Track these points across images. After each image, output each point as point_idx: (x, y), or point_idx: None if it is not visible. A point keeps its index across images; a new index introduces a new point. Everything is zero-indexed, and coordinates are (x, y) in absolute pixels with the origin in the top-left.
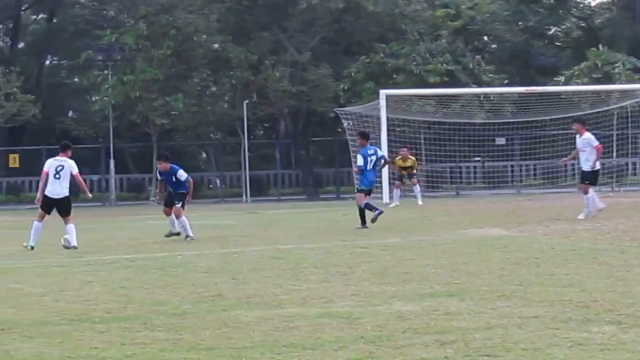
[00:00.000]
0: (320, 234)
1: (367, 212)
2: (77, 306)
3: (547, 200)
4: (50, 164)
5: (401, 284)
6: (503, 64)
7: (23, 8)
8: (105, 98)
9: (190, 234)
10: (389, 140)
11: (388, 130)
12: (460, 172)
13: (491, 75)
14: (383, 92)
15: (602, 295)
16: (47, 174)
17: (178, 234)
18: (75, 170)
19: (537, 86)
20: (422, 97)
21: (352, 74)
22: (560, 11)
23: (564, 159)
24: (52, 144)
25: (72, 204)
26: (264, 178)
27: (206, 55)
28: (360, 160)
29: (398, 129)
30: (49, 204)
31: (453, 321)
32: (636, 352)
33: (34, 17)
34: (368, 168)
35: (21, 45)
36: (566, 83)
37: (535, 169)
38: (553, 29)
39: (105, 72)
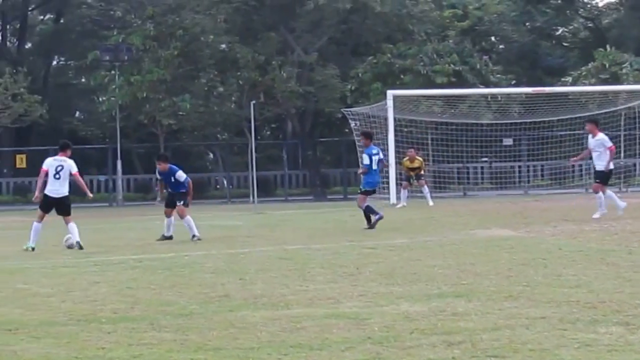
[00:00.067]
0: (327, 234)
1: (368, 209)
2: (84, 306)
3: (554, 200)
4: (49, 164)
5: (408, 284)
6: (510, 64)
7: (30, 8)
8: (113, 98)
9: (196, 233)
10: (396, 141)
11: (395, 130)
12: (468, 173)
13: (498, 75)
14: (390, 93)
15: (610, 296)
16: (47, 173)
17: (171, 237)
18: (75, 170)
19: (545, 87)
20: (429, 97)
21: (360, 75)
22: (568, 12)
23: (574, 158)
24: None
25: (79, 205)
26: (271, 179)
27: (213, 56)
28: (366, 160)
29: (405, 129)
30: (48, 204)
31: (460, 322)
32: None
33: (41, 17)
34: (374, 167)
35: (28, 45)
36: (574, 84)
37: (542, 170)
38: (560, 30)
39: (113, 72)
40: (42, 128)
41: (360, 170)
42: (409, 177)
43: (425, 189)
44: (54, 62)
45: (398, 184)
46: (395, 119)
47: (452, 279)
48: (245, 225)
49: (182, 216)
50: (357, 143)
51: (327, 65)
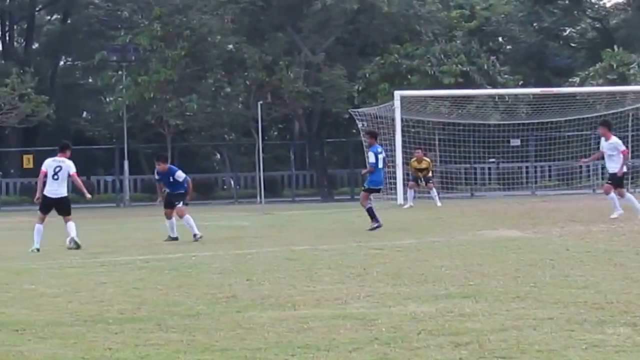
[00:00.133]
0: (334, 235)
1: (367, 212)
2: (91, 307)
3: (562, 201)
4: (48, 164)
5: (416, 285)
6: (518, 65)
7: (37, 9)
8: (120, 99)
9: (197, 231)
10: (403, 142)
11: (402, 131)
12: (475, 173)
13: (506, 76)
14: (398, 93)
15: (617, 297)
16: (45, 174)
17: (176, 238)
18: (73, 170)
19: (552, 87)
20: (436, 98)
21: (367, 75)
22: (575, 12)
23: (585, 159)
24: None
25: (85, 205)
26: (278, 179)
27: (220, 56)
28: (372, 158)
29: (412, 130)
30: (47, 204)
31: (468, 323)
32: None
33: (48, 17)
34: (379, 166)
35: (35, 45)
36: (581, 84)
37: (550, 170)
38: (568, 30)
39: (120, 72)
40: (49, 128)
41: (365, 170)
42: (416, 178)
43: (433, 191)
44: (61, 63)
45: (405, 184)
46: (402, 120)
47: (459, 280)
48: (252, 226)
49: (181, 216)
50: (364, 143)
51: (334, 65)
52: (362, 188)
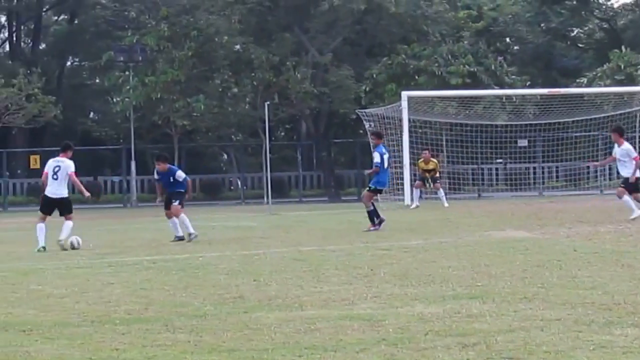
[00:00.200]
0: (341, 235)
1: (370, 214)
2: (98, 307)
3: (569, 202)
4: (49, 165)
5: (423, 286)
6: (525, 65)
7: (44, 9)
8: (127, 99)
9: (192, 230)
10: (410, 142)
11: (410, 132)
12: (482, 174)
13: (513, 76)
14: (405, 94)
15: (625, 298)
16: (47, 175)
17: (182, 238)
18: (71, 170)
19: (560, 88)
20: (444, 98)
21: (374, 76)
22: (583, 12)
23: (596, 163)
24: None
25: (92, 206)
26: (285, 179)
27: (227, 57)
28: (377, 158)
29: (420, 130)
30: (47, 204)
31: (475, 323)
32: None
33: (55, 18)
34: (385, 167)
35: (42, 46)
36: (589, 85)
37: (557, 171)
38: (575, 31)
39: (127, 73)
40: (56, 129)
41: (369, 171)
42: (423, 178)
43: (441, 192)
44: (68, 63)
45: (411, 185)
46: (409, 120)
47: (466, 281)
48: (259, 227)
49: (176, 215)
50: (371, 143)
51: (341, 66)
52: (367, 188)
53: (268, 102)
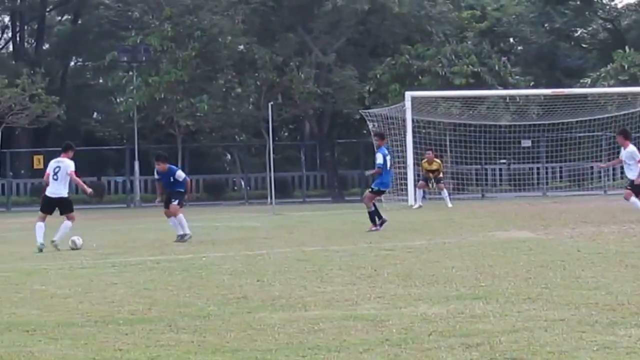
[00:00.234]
0: (345, 236)
1: (370, 214)
2: (101, 308)
3: (573, 202)
4: (50, 166)
5: (426, 286)
6: (529, 65)
7: (48, 9)
8: (130, 99)
9: (188, 231)
10: (414, 142)
11: (413, 132)
12: (486, 174)
13: (517, 77)
14: (408, 94)
15: (629, 298)
16: (49, 175)
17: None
18: (71, 169)
19: (563, 88)
20: (447, 98)
21: (378, 76)
22: (587, 13)
23: (602, 164)
24: (76, 145)
25: (96, 206)
26: (288, 180)
27: (231, 57)
28: (380, 159)
29: (423, 130)
30: (47, 204)
31: (479, 324)
32: None
33: (59, 18)
34: (388, 168)
35: (46, 46)
36: (592, 85)
37: (561, 171)
38: (579, 31)
39: (130, 73)
40: (60, 129)
41: (371, 172)
42: (426, 178)
43: (445, 192)
44: (72, 63)
45: (415, 185)
46: (413, 120)
47: (470, 281)
48: (262, 227)
49: (175, 215)
50: (375, 144)
51: (345, 66)
52: (370, 190)
53: (271, 103)
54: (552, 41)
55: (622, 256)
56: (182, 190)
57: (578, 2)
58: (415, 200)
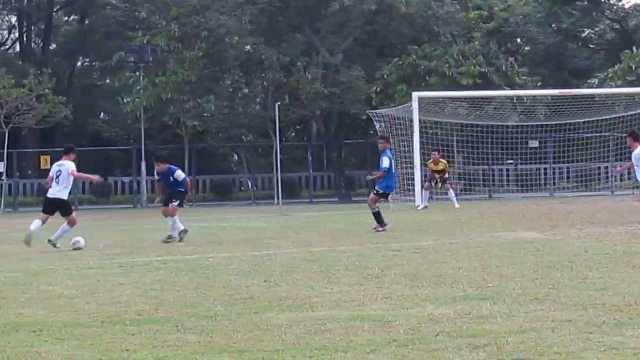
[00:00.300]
0: (352, 236)
1: (376, 215)
2: (108, 308)
3: (580, 203)
4: (53, 170)
5: (434, 287)
6: (536, 66)
7: (55, 9)
8: (137, 100)
9: (176, 235)
10: (421, 143)
11: (421, 132)
12: (493, 175)
13: (524, 77)
14: (416, 95)
15: (636, 299)
16: (52, 179)
17: (186, 231)
18: (72, 169)
19: (571, 89)
20: (455, 99)
21: (385, 76)
22: (594, 13)
23: (619, 168)
24: (83, 145)
25: (103, 207)
26: (296, 180)
27: (238, 57)
28: (386, 162)
29: (431, 131)
30: (47, 205)
31: (486, 325)
32: None
33: (66, 18)
34: (393, 171)
35: (53, 46)
36: (600, 86)
37: (568, 172)
38: (587, 32)
39: (137, 73)
40: (67, 129)
41: (373, 176)
42: (433, 179)
43: (451, 193)
44: (79, 64)
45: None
46: (420, 121)
47: (477, 282)
48: (270, 227)
49: (172, 215)
50: (380, 146)
51: (352, 66)
52: (375, 192)
53: (279, 103)
54: (559, 42)
55: (629, 257)
56: (183, 190)
57: (586, 3)
58: (422, 201)
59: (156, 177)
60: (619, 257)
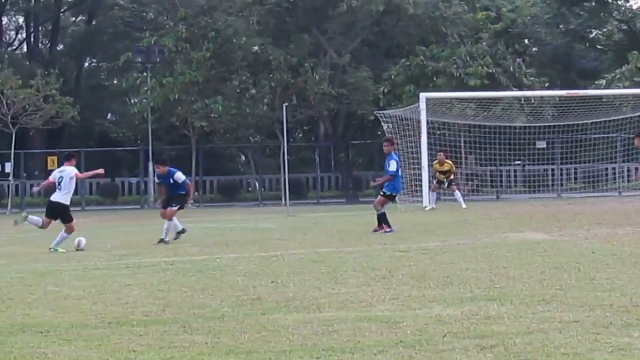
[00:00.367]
0: (359, 237)
1: (381, 217)
2: (115, 309)
3: (587, 204)
4: (53, 175)
5: (441, 287)
6: (544, 67)
7: (62, 10)
8: (144, 100)
9: (167, 238)
10: (429, 144)
11: (428, 133)
12: (501, 176)
13: (532, 78)
14: (423, 95)
15: None
16: (49, 183)
17: (184, 230)
18: (74, 173)
19: (578, 89)
20: (462, 100)
21: (392, 77)
22: (602, 14)
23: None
24: (90, 146)
25: (110, 207)
26: (303, 181)
27: (246, 58)
28: (393, 166)
29: (438, 132)
30: (49, 209)
31: (493, 325)
32: None
33: (73, 19)
34: (399, 173)
35: (60, 47)
36: (607, 86)
37: (576, 173)
38: (594, 32)
39: (145, 74)
40: (74, 130)
41: (377, 182)
42: (439, 180)
43: (458, 194)
44: (86, 64)
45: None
46: (428, 122)
47: (484, 283)
48: (277, 228)
49: (168, 218)
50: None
51: (359, 67)
52: (382, 193)
53: (286, 104)
54: (567, 42)
55: (636, 258)
56: (184, 193)
57: (593, 4)
58: (429, 202)
59: (156, 179)
60: (626, 258)
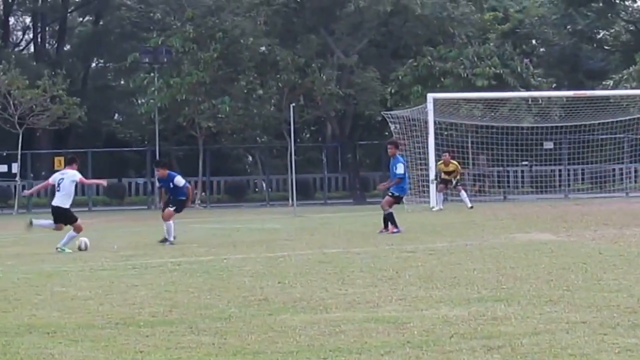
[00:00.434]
0: (366, 238)
1: (388, 217)
2: (122, 310)
3: (595, 204)
4: (54, 177)
5: (448, 288)
6: (551, 67)
7: (69, 10)
8: (152, 101)
9: (171, 238)
10: (436, 144)
11: (435, 134)
12: (508, 176)
13: (539, 79)
14: (431, 96)
15: None
16: (50, 184)
17: (165, 240)
18: (78, 177)
19: (586, 90)
20: (469, 100)
21: (400, 77)
22: (609, 15)
23: None
24: (97, 146)
25: (117, 208)
26: (310, 182)
27: (253, 58)
28: (401, 169)
29: (445, 132)
30: (53, 214)
31: (500, 326)
32: None
33: (81, 19)
34: (407, 175)
35: (67, 47)
36: (615, 87)
37: (583, 173)
38: (602, 33)
39: (152, 74)
40: (81, 130)
41: (388, 183)
42: (445, 181)
43: (463, 194)
44: (93, 64)
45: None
46: (435, 122)
47: (492, 283)
48: (284, 229)
49: (167, 219)
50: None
51: (367, 67)
52: (390, 194)
53: (293, 104)
54: (574, 43)
55: None
56: (184, 198)
57: (601, 4)
58: (437, 202)
59: (157, 183)
60: (633, 259)
